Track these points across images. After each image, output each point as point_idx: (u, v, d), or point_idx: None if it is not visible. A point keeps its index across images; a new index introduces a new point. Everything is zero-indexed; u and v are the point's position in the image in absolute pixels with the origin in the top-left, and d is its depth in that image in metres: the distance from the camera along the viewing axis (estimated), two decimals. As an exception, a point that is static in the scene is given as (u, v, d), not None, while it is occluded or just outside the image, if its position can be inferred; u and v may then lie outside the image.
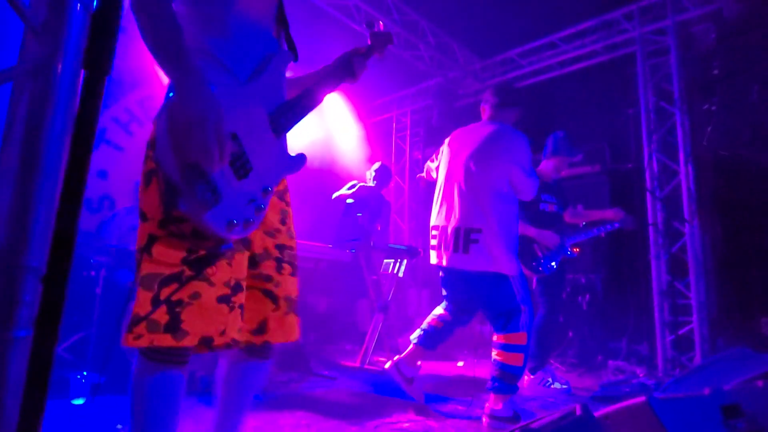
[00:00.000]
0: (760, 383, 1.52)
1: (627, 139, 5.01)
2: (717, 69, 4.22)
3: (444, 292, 2.83)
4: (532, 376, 3.46)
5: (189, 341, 1.05)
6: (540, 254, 3.53)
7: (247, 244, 1.15)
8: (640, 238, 4.60)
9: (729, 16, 4.00)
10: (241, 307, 1.12)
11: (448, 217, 2.64)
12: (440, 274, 2.78)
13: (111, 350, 3.00)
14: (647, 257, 4.56)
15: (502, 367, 2.49)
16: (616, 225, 3.65)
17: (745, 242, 4.02)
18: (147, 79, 4.84)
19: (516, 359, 2.47)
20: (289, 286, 1.25)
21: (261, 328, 1.20)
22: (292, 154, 1.28)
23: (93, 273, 3.11)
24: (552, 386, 3.35)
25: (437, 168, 2.89)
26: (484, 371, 4.20)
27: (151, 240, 1.01)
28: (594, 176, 5.01)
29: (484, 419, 2.49)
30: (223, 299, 1.07)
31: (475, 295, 2.64)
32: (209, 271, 1.06)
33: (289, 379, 3.51)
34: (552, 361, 4.15)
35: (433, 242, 2.71)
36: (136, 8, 0.98)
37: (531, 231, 3.52)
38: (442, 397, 3.07)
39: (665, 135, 4.71)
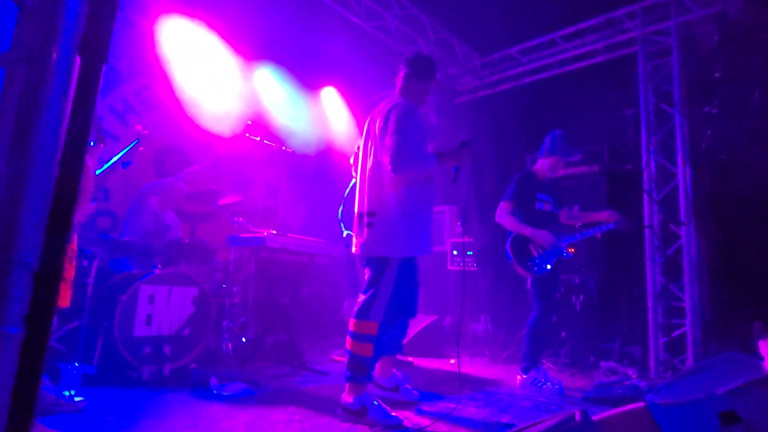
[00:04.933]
0: (756, 389, 1.51)
1: (626, 140, 5.01)
2: (718, 72, 4.21)
3: None
4: (524, 376, 3.47)
5: None
6: (535, 254, 3.53)
7: None
8: (635, 240, 4.60)
9: (734, 17, 3.99)
10: None
11: (359, 204, 2.60)
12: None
13: (103, 341, 2.97)
14: (642, 259, 4.57)
15: (350, 359, 2.46)
16: (611, 226, 3.65)
17: (740, 247, 4.03)
18: (144, 68, 4.77)
19: (364, 348, 2.44)
20: None
21: None
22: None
23: (85, 263, 3.07)
24: (544, 386, 3.36)
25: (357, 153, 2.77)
26: (476, 369, 4.22)
27: None
28: (592, 177, 5.00)
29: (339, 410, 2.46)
30: None
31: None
32: None
33: (282, 373, 3.50)
34: (544, 361, 4.15)
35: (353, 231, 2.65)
36: None
37: (527, 230, 3.52)
38: (434, 395, 3.07)
39: (664, 137, 4.71)
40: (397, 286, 2.47)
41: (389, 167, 2.39)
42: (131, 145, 3.41)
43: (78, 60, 0.52)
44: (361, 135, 2.75)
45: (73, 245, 2.53)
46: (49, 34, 0.63)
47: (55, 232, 0.48)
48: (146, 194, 4.14)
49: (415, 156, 2.41)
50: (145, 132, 3.44)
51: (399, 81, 2.73)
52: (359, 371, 2.43)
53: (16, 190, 0.64)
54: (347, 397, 2.44)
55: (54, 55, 0.64)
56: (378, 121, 2.54)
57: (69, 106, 0.54)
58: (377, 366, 2.85)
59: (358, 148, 2.76)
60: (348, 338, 2.51)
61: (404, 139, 2.38)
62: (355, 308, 2.52)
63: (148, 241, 3.88)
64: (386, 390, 2.84)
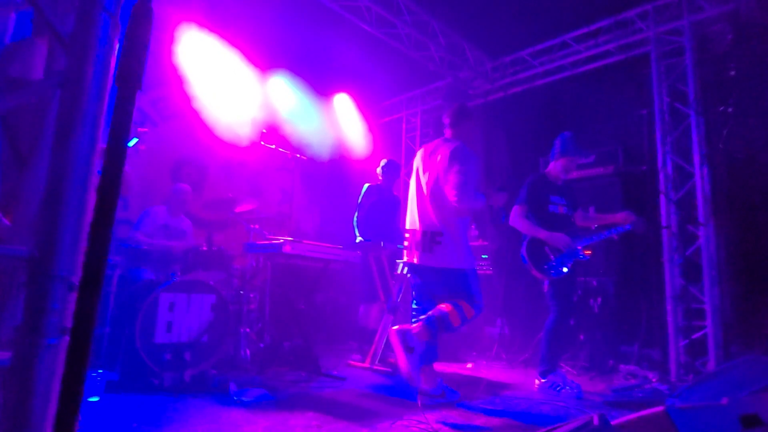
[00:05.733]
0: (778, 392, 1.49)
1: (640, 141, 4.95)
2: (733, 70, 4.15)
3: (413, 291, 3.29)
4: (542, 380, 3.44)
5: None
6: (551, 257, 3.51)
7: None
8: (653, 241, 4.55)
9: (747, 14, 3.95)
10: None
11: (421, 223, 3.11)
12: (407, 271, 3.34)
13: (125, 348, 3.04)
14: (660, 260, 4.51)
15: (441, 314, 2.90)
16: (628, 227, 3.61)
17: (760, 246, 3.96)
18: (160, 80, 4.88)
19: (457, 319, 2.92)
20: None
21: None
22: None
23: (107, 271, 3.15)
24: (563, 390, 3.33)
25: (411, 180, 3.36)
26: (494, 373, 4.20)
27: None
28: (606, 178, 4.96)
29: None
30: None
31: (440, 284, 3.07)
32: None
33: (299, 378, 3.53)
34: (563, 365, 4.12)
35: (405, 243, 3.22)
36: None
37: (542, 233, 3.50)
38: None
39: (680, 137, 4.65)
40: None
41: (454, 200, 2.92)
42: (130, 144, 3.44)
43: (112, 85, 0.55)
44: (414, 165, 3.32)
45: None
46: (82, 60, 0.66)
47: (94, 248, 0.51)
48: (151, 211, 4.23)
49: (474, 192, 2.97)
50: (144, 130, 3.47)
51: (446, 129, 3.30)
52: (440, 326, 2.89)
53: (53, 209, 0.68)
54: (415, 332, 2.83)
55: (87, 79, 0.68)
56: (440, 158, 3.10)
57: (101, 128, 0.57)
58: (422, 378, 3.06)
59: (416, 174, 3.27)
60: (449, 305, 2.93)
61: (467, 179, 2.93)
62: (455, 303, 2.97)
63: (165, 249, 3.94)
64: (435, 398, 3.01)
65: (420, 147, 3.40)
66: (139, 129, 3.49)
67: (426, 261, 3.03)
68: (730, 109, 4.13)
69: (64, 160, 0.65)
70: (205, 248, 3.94)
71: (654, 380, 3.69)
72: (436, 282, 3.07)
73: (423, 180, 3.15)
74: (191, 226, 4.45)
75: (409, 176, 7.26)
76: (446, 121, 3.30)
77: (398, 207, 4.93)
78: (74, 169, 0.66)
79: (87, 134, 0.66)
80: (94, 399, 2.65)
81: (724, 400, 1.24)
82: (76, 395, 0.50)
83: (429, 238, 3.01)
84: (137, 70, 0.52)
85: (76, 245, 0.65)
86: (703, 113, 4.42)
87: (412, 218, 3.18)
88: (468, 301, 2.96)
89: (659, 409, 1.14)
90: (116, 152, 0.50)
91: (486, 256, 5.53)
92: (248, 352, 3.78)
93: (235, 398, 2.82)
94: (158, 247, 3.87)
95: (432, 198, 3.05)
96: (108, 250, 0.51)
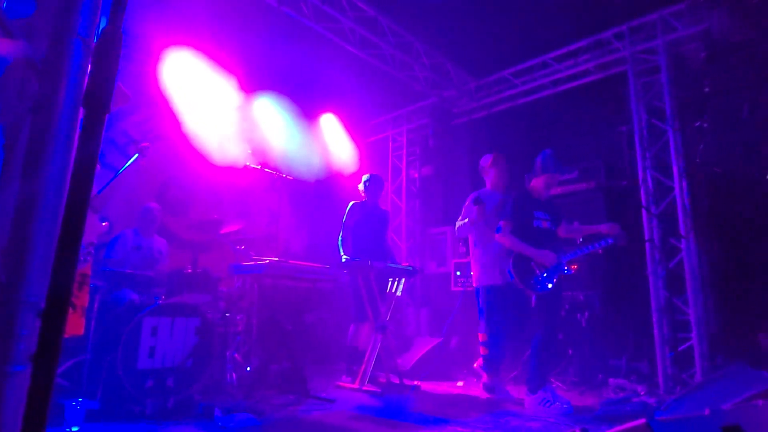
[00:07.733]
0: (759, 402, 1.51)
1: (621, 156, 5.06)
2: (708, 87, 4.29)
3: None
4: (532, 396, 3.43)
5: None
6: (537, 272, 3.54)
7: None
8: (637, 254, 4.60)
9: (718, 34, 4.10)
10: None
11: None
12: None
13: (106, 375, 2.97)
14: (645, 273, 4.56)
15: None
16: (610, 241, 3.66)
17: (741, 257, 4.03)
18: (144, 102, 4.88)
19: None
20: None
21: None
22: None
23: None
24: (553, 406, 3.32)
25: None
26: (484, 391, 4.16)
27: None
28: (589, 193, 5.03)
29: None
30: None
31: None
32: None
33: (286, 402, 3.47)
34: (552, 380, 4.10)
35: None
36: None
37: (528, 250, 3.53)
38: (441, 419, 3.03)
39: (659, 152, 4.76)
40: None
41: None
42: (132, 159, 3.34)
43: (82, 111, 0.55)
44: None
45: (86, 270, 2.56)
46: (55, 86, 0.67)
47: (60, 272, 0.51)
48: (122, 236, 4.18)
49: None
50: (146, 145, 3.38)
51: (486, 180, 4.24)
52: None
53: (23, 233, 0.67)
54: (485, 380, 3.80)
55: (59, 105, 0.68)
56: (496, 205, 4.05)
57: (73, 152, 0.57)
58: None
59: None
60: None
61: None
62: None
63: (143, 272, 3.86)
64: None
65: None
66: (141, 144, 3.41)
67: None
68: (705, 125, 4.25)
69: (35, 185, 0.65)
70: (190, 270, 3.89)
71: (642, 393, 3.70)
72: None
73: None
74: (167, 245, 4.38)
75: (395, 193, 7.32)
76: (483, 175, 4.31)
77: (386, 222, 4.92)
78: (45, 195, 0.66)
79: (58, 160, 0.66)
80: (75, 429, 2.57)
81: (706, 412, 1.25)
82: (40, 426, 0.49)
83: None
84: (105, 95, 0.53)
85: (46, 271, 0.65)
86: (680, 129, 4.54)
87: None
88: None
89: (641, 421, 1.15)
90: (83, 178, 0.50)
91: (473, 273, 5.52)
92: (234, 376, 3.71)
93: (220, 424, 2.76)
94: (138, 277, 3.78)
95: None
96: (73, 277, 0.51)
